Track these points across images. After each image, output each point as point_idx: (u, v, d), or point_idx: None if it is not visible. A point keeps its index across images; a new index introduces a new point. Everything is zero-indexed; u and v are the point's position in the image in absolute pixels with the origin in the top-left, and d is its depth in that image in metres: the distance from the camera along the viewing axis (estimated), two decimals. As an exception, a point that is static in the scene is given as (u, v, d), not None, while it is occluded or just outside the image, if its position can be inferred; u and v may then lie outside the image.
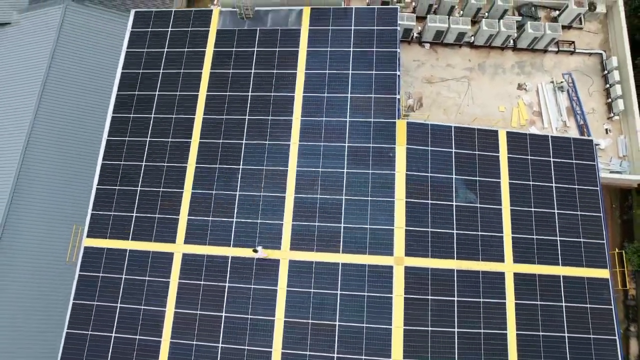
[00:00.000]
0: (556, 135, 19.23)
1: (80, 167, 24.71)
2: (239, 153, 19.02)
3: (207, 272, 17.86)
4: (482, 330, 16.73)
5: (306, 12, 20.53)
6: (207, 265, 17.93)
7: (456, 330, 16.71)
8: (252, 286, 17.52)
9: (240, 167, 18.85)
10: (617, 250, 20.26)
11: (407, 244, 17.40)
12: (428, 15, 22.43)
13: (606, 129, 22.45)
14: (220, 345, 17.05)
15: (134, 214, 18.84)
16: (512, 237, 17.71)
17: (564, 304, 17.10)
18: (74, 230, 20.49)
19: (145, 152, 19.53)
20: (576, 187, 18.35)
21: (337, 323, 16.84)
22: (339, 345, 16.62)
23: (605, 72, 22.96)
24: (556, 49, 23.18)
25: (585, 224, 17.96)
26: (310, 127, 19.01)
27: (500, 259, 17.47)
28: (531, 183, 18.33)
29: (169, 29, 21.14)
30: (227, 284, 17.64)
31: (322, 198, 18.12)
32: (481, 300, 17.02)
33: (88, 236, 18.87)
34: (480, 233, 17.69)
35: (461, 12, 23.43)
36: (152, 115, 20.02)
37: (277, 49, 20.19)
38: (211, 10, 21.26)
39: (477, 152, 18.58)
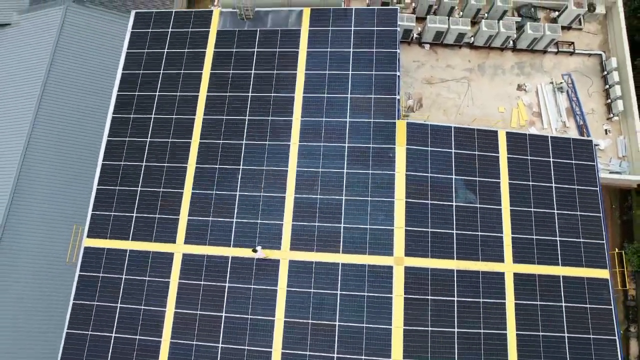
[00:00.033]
0: (556, 136, 19.26)
1: (81, 168, 24.76)
2: (239, 153, 19.06)
3: (207, 272, 17.88)
4: (481, 331, 16.74)
5: (306, 12, 20.58)
6: (207, 265, 17.95)
7: (456, 330, 16.73)
8: (252, 286, 17.53)
9: (240, 167, 18.88)
10: (616, 251, 20.27)
11: (407, 244, 17.42)
12: (428, 16, 22.47)
13: (605, 130, 22.49)
14: (220, 345, 17.06)
15: (134, 214, 18.87)
16: (511, 238, 17.73)
17: (563, 304, 17.12)
18: (74, 231, 20.51)
19: (146, 153, 19.56)
20: (576, 187, 18.38)
21: (337, 323, 16.85)
22: (338, 346, 16.63)
23: (605, 72, 23.01)
24: (556, 50, 23.23)
25: (585, 224, 17.98)
26: (310, 127, 19.05)
27: (500, 259, 17.49)
28: (531, 183, 18.35)
29: (169, 30, 21.18)
30: (227, 284, 17.66)
31: (322, 198, 18.14)
32: (481, 300, 17.03)
33: (88, 236, 18.89)
34: (480, 233, 17.71)
35: (461, 13, 23.48)
36: (153, 116, 20.06)
37: (277, 50, 20.24)
38: (211, 11, 21.32)
39: (476, 153, 18.61)
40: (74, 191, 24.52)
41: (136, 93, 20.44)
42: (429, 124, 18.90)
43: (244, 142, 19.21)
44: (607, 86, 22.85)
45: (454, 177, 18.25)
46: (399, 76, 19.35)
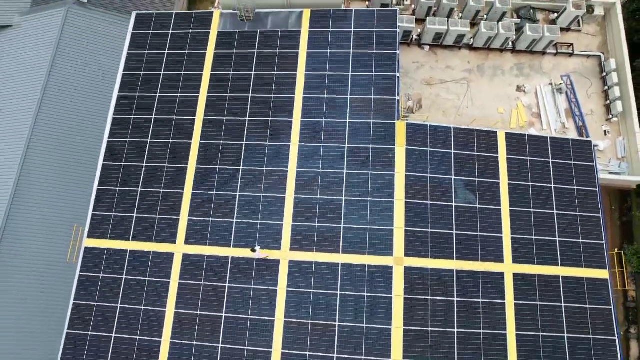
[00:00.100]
0: (555, 137, 19.31)
1: (81, 170, 24.82)
2: (239, 154, 19.11)
3: (207, 272, 17.91)
4: (481, 331, 16.75)
5: (306, 14, 20.67)
6: (207, 265, 17.98)
7: (456, 330, 16.74)
8: (252, 286, 17.56)
9: (241, 167, 18.93)
10: (616, 251, 20.29)
11: (407, 245, 17.45)
12: (427, 18, 22.55)
13: (605, 131, 22.54)
14: (220, 345, 17.08)
15: (135, 215, 18.91)
16: (511, 238, 17.76)
17: (563, 305, 17.13)
18: (75, 231, 20.55)
19: (146, 153, 19.62)
20: (575, 188, 18.42)
21: (336, 323, 16.87)
22: (338, 346, 16.64)
23: (604, 74, 23.07)
24: (555, 51, 23.30)
25: (585, 225, 18.01)
26: (310, 128, 19.11)
27: (500, 259, 17.52)
28: (530, 184, 18.40)
29: (170, 31, 21.28)
30: (227, 285, 17.69)
31: (322, 199, 18.18)
32: (480, 300, 17.05)
33: (89, 237, 18.92)
34: (479, 233, 17.74)
35: (460, 14, 23.58)
36: (153, 117, 20.13)
37: (278, 51, 20.32)
38: (212, 13, 21.42)
39: (476, 153, 18.66)
40: (74, 193, 24.58)
41: (137, 94, 20.51)
42: (428, 124, 18.96)
43: (244, 142, 19.27)
44: (606, 87, 22.91)
45: (453, 177, 18.30)
46: (398, 77, 19.43)
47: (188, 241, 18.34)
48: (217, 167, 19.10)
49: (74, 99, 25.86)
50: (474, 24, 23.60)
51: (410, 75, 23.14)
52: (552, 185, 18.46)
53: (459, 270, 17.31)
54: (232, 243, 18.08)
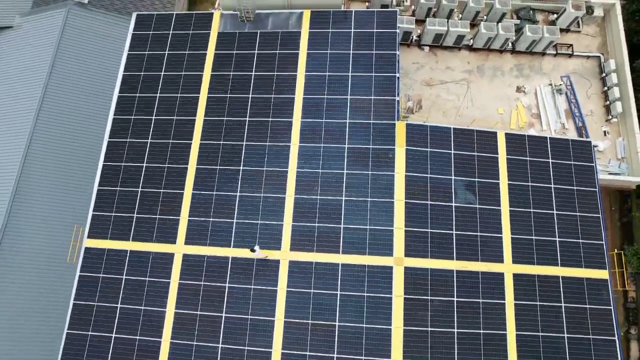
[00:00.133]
0: (555, 137, 19.34)
1: (81, 169, 24.85)
2: (239, 154, 19.14)
3: (207, 272, 17.92)
4: (481, 331, 16.76)
5: (306, 15, 20.72)
6: (207, 265, 17.99)
7: (456, 330, 16.74)
8: (252, 287, 17.57)
9: (241, 168, 18.95)
10: (615, 251, 20.30)
11: (407, 245, 17.47)
12: (427, 19, 22.60)
13: (604, 131, 22.58)
14: (220, 345, 17.08)
15: (135, 215, 18.93)
16: (511, 238, 17.78)
17: (563, 305, 17.14)
18: (75, 231, 20.57)
19: (146, 154, 19.64)
20: (575, 188, 18.44)
21: (336, 323, 16.87)
22: (338, 346, 16.65)
23: (603, 74, 23.11)
24: (554, 52, 23.35)
25: (584, 225, 18.03)
26: (310, 128, 19.14)
27: (500, 259, 17.53)
28: (530, 184, 18.42)
29: (170, 32, 21.32)
30: (227, 285, 17.69)
31: (322, 199, 18.20)
32: (480, 300, 17.06)
33: (89, 237, 18.94)
34: (479, 234, 17.76)
35: (460, 15, 23.63)
36: (153, 117, 20.16)
37: (278, 52, 20.36)
38: (212, 13, 21.46)
39: (476, 154, 18.68)
40: (75, 193, 24.60)
41: (137, 94, 20.55)
42: (428, 125, 18.99)
43: (244, 143, 19.29)
44: (606, 88, 22.95)
45: (453, 178, 18.33)
46: (398, 78, 19.47)
47: (188, 241, 18.35)
48: (217, 167, 19.12)
49: (75, 100, 25.90)
50: (473, 24, 23.66)
51: (410, 76, 23.18)
52: (552, 186, 18.48)
53: (458, 270, 17.32)
54: (232, 243, 18.09)
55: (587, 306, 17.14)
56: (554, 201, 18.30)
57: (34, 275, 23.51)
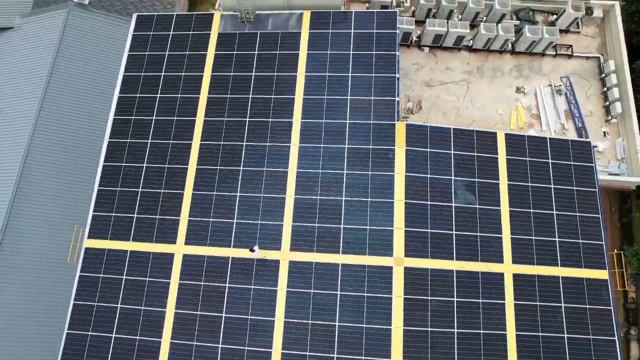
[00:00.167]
0: (554, 137, 19.36)
1: (82, 170, 24.87)
2: (239, 155, 19.16)
3: (207, 272, 17.93)
4: (481, 331, 16.76)
5: (306, 15, 20.76)
6: (208, 266, 18.01)
7: (456, 330, 16.75)
8: (252, 287, 17.58)
9: (241, 168, 18.98)
10: (615, 251, 20.31)
11: (407, 245, 17.48)
12: (427, 19, 22.65)
13: (604, 132, 22.60)
14: (220, 345, 17.08)
15: (135, 215, 18.94)
16: (511, 238, 17.79)
17: (563, 305, 17.15)
18: (75, 232, 20.58)
19: (147, 154, 19.67)
20: (574, 188, 18.46)
21: (336, 323, 16.88)
22: (338, 346, 16.65)
23: (603, 75, 23.15)
24: (554, 53, 23.39)
25: (584, 225, 18.05)
26: (310, 129, 19.17)
27: (500, 259, 17.54)
28: (530, 184, 18.44)
29: (171, 33, 21.36)
30: (227, 285, 17.70)
31: (322, 199, 18.22)
32: (480, 300, 17.07)
33: (89, 237, 18.95)
34: (479, 234, 17.77)
35: (460, 16, 23.68)
36: (154, 118, 20.19)
37: (278, 52, 20.40)
38: (212, 14, 21.51)
39: (475, 154, 18.71)
40: (75, 193, 24.63)
41: (137, 95, 20.58)
42: (428, 125, 19.02)
43: (244, 143, 19.32)
44: (605, 89, 22.99)
45: (453, 178, 18.35)
46: (398, 78, 19.50)
47: (188, 241, 18.37)
48: (218, 167, 19.14)
49: (75, 100, 25.94)
50: (473, 25, 23.71)
51: (410, 77, 23.22)
52: (552, 186, 18.50)
53: (458, 270, 17.33)
54: (232, 243, 18.11)
55: (587, 306, 17.15)
56: (553, 201, 18.31)
57: (34, 276, 23.52)
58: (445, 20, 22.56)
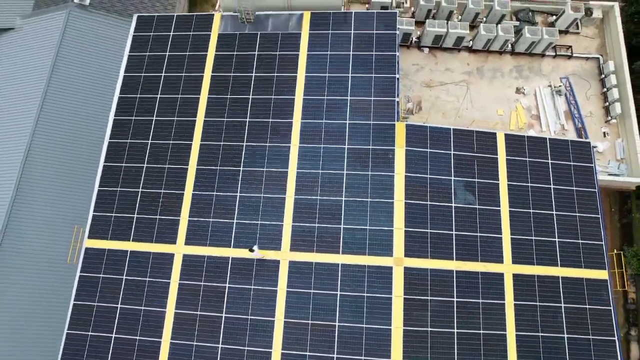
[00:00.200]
0: (554, 138, 19.38)
1: (82, 170, 24.89)
2: (239, 155, 19.19)
3: (207, 273, 17.94)
4: (481, 331, 16.77)
5: (306, 16, 20.80)
6: (208, 266, 18.02)
7: (456, 331, 16.75)
8: (252, 287, 17.59)
9: (241, 169, 19.00)
10: (615, 252, 20.32)
11: (407, 245, 17.49)
12: (427, 20, 22.70)
13: (604, 132, 22.63)
14: (220, 345, 17.09)
15: (135, 216, 18.96)
16: (510, 238, 17.80)
17: (562, 305, 17.15)
18: (75, 232, 20.60)
19: (147, 154, 19.69)
20: (574, 188, 18.48)
21: (336, 324, 16.88)
22: (338, 346, 16.65)
23: (603, 76, 23.18)
24: (554, 54, 23.43)
25: (584, 225, 18.06)
26: (310, 129, 19.19)
27: (499, 259, 17.55)
28: (529, 185, 18.46)
29: (171, 33, 21.41)
30: (227, 285, 17.71)
31: (322, 199, 18.24)
32: (480, 301, 17.07)
33: (89, 237, 18.97)
34: (479, 234, 17.79)
35: (460, 17, 23.72)
36: (154, 118, 20.22)
37: (278, 53, 20.44)
38: (212, 15, 21.55)
39: (475, 154, 18.73)
40: (75, 193, 24.64)
41: (138, 95, 20.62)
42: (428, 125, 19.04)
43: (244, 143, 19.35)
44: (605, 89, 23.02)
45: (453, 178, 18.37)
46: (398, 79, 19.53)
47: (188, 242, 18.38)
48: (218, 168, 19.17)
49: (75, 101, 25.97)
50: (473, 26, 23.75)
51: (410, 77, 23.26)
52: (552, 186, 18.52)
53: (458, 270, 17.34)
54: (232, 244, 18.12)
55: (587, 306, 17.16)
56: (553, 202, 18.33)
57: (35, 277, 23.52)
58: (445, 21, 22.61)
